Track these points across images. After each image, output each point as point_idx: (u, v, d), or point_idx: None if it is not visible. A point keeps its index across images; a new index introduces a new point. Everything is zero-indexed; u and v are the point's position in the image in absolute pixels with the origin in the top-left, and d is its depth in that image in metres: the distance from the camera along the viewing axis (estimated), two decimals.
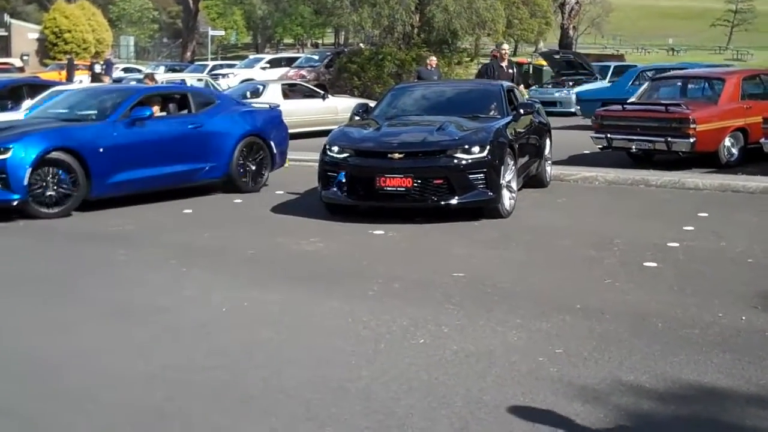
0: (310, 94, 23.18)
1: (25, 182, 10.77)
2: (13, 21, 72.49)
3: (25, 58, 56.36)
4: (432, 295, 7.09)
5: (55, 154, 11.03)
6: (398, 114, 12.25)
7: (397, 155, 10.36)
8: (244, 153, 13.21)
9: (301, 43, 79.92)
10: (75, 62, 40.34)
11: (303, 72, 36.08)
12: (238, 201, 12.48)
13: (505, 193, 10.67)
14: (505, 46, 21.46)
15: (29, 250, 9.37)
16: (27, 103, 16.73)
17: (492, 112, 11.90)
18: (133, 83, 23.50)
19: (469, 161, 10.27)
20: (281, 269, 8.26)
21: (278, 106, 15.27)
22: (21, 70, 42.51)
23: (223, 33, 72.39)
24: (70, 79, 33.92)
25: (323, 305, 6.87)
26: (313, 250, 9.15)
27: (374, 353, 5.67)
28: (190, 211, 11.66)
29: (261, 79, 31.01)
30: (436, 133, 10.65)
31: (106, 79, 31.46)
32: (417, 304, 6.83)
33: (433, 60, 22.58)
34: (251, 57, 48.12)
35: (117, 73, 38.49)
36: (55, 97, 16.54)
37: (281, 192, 12.98)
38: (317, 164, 11.16)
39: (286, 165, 14.52)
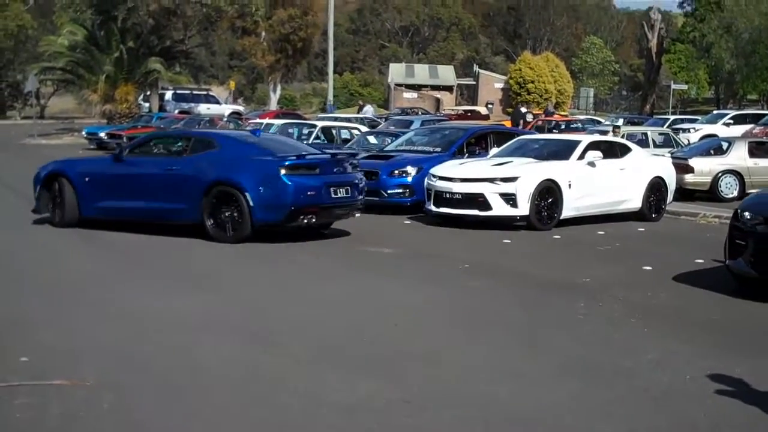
0: None
1: None
2: (482, 71, 76.54)
3: (489, 106, 59.22)
4: None
5: None
6: None
7: None
8: (214, 202, 12.66)
9: (766, 99, 76.07)
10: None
11: None
12: (699, 261, 11.95)
13: None
14: None
15: (492, 292, 9.64)
16: (493, 150, 17.46)
17: None
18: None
19: None
20: (743, 338, 7.75)
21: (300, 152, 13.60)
22: (486, 117, 44.56)
23: (685, 87, 70.88)
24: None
25: None
26: None
27: None
28: (649, 268, 11.36)
29: (724, 136, 29.85)
30: None
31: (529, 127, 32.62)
32: None
33: None
34: (715, 112, 46.55)
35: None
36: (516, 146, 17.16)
37: None
38: None
39: None
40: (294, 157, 12.95)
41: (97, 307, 8.47)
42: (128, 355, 6.75)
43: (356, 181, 13.53)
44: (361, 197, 13.63)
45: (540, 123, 35.62)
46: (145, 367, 6.46)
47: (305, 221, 12.74)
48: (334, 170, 13.24)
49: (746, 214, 9.72)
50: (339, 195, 13.02)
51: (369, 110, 44.34)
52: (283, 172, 12.55)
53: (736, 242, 9.72)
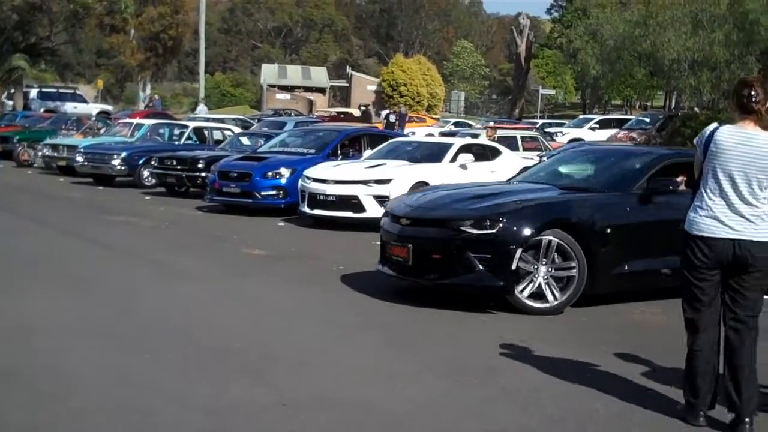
0: None
1: None
2: (354, 73, 76.79)
3: (362, 108, 59.24)
4: None
5: None
6: (535, 179, 10.54)
7: (404, 221, 9.44)
8: None
9: (630, 104, 78.72)
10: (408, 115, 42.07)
11: (633, 134, 35.39)
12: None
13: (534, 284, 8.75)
14: None
15: (365, 294, 9.65)
16: (367, 152, 17.54)
17: (629, 186, 9.49)
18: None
19: (470, 237, 8.70)
20: (611, 336, 7.98)
21: None
22: (360, 119, 44.70)
23: (553, 92, 72.70)
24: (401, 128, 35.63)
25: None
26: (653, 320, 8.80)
27: None
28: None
29: (589, 140, 30.75)
30: (462, 201, 9.36)
31: (396, 129, 33.08)
32: None
33: None
34: (580, 117, 47.86)
35: (448, 127, 39.62)
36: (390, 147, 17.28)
37: None
38: None
39: None
40: None
41: None
42: None
43: None
44: None
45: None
46: (8, 372, 6.24)
47: None
48: None
49: (387, 211, 10.06)
50: None
51: (202, 110, 44.23)
52: None
53: (383, 240, 10.01)
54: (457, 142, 17.52)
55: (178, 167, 20.01)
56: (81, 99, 50.29)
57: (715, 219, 5.47)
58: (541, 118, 59.13)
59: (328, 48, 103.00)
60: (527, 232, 8.64)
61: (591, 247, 8.83)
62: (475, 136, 23.80)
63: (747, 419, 5.45)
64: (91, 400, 5.72)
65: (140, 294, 9.36)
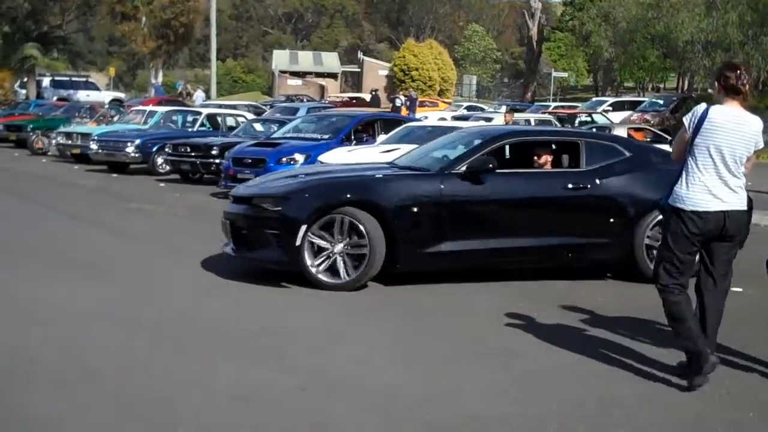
0: (656, 140, 22.54)
1: None
2: (366, 58, 76.63)
3: (372, 93, 59.23)
4: None
5: None
6: (404, 162, 10.50)
7: (231, 199, 9.96)
8: None
9: (642, 86, 78.34)
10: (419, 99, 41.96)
11: (647, 116, 35.30)
12: None
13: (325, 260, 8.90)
14: None
15: (385, 283, 9.66)
16: (381, 137, 17.55)
17: (452, 166, 9.46)
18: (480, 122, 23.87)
19: (266, 214, 9.05)
20: (631, 320, 7.96)
21: None
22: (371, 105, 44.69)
23: (566, 75, 72.38)
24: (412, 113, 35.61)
25: None
26: None
27: None
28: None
29: (601, 122, 30.60)
30: (283, 180, 9.81)
31: (405, 113, 32.93)
32: None
33: None
34: (594, 99, 47.69)
35: (460, 111, 39.52)
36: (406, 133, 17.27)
37: None
38: None
39: None
40: None
41: None
42: (13, 350, 6.53)
43: None
44: None
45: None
46: (30, 359, 6.25)
47: None
48: None
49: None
50: None
51: (200, 96, 43.95)
52: None
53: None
54: (470, 126, 17.47)
55: (192, 154, 20.03)
56: (93, 87, 50.43)
57: (710, 193, 5.89)
58: (554, 101, 58.87)
59: (339, 33, 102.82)
60: (311, 209, 8.84)
61: (392, 225, 8.90)
62: (489, 120, 23.79)
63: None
64: (113, 387, 5.74)
65: (159, 280, 9.37)
